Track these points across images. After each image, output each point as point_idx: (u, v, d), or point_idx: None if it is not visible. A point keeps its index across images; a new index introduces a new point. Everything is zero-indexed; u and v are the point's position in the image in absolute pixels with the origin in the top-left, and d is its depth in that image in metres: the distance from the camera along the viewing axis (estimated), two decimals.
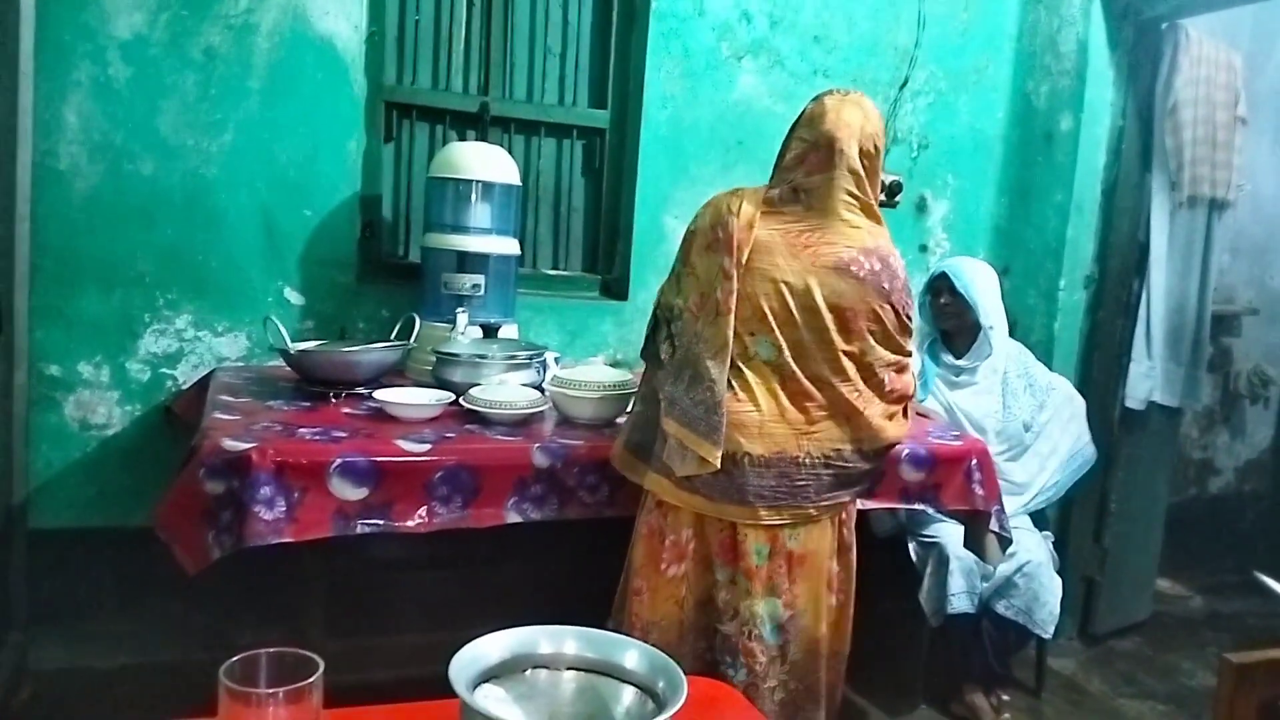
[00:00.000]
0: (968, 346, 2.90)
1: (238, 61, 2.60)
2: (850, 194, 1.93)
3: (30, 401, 2.49)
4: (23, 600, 2.50)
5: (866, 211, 1.96)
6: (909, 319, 2.01)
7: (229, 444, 1.83)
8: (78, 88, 2.48)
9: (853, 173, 1.93)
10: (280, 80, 2.64)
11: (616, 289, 3.13)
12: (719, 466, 1.85)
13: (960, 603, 2.63)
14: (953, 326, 2.91)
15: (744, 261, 1.89)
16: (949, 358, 2.93)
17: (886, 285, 1.93)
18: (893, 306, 1.94)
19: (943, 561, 2.65)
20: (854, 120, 1.95)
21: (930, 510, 2.48)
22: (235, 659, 0.76)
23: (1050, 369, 3.29)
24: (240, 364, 2.68)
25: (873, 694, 2.78)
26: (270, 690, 0.73)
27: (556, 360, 2.59)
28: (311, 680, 0.74)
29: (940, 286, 2.90)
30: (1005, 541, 2.44)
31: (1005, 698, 2.86)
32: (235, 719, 0.73)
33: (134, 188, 2.55)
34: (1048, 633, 2.74)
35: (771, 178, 2.02)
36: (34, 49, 2.36)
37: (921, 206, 3.42)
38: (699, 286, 1.94)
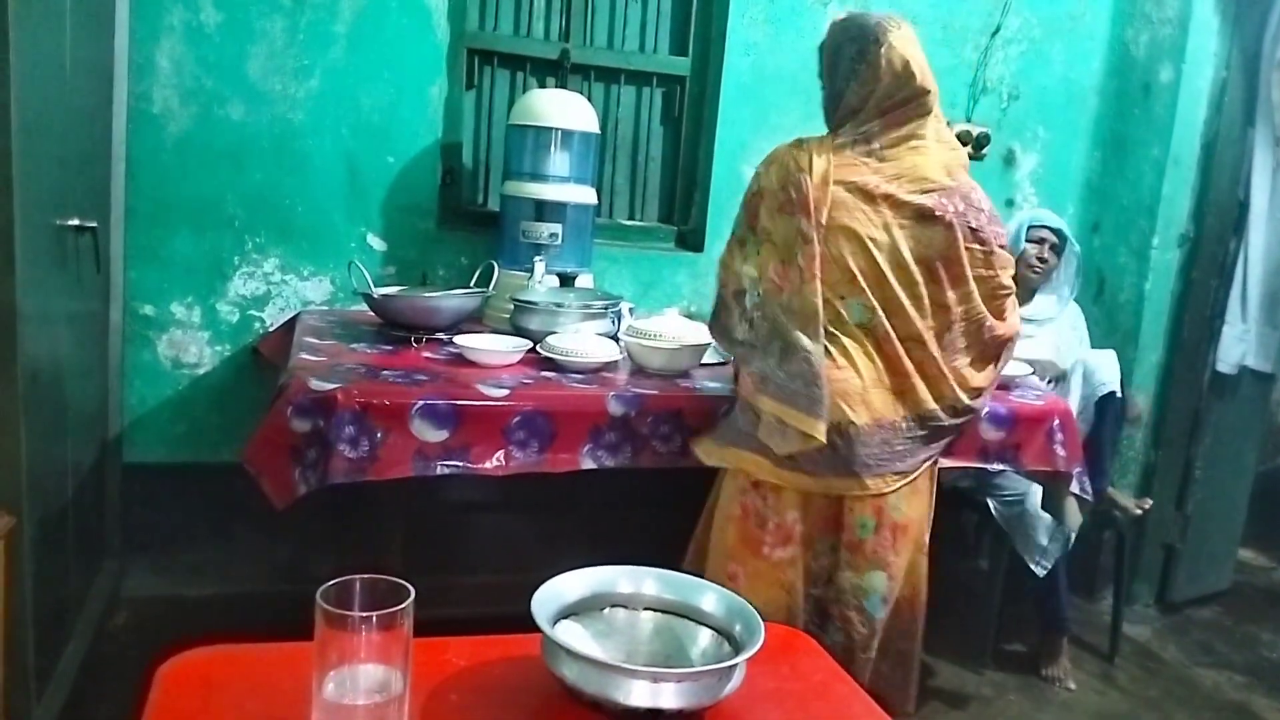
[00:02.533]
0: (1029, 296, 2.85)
1: (325, 7, 2.62)
2: (927, 125, 1.86)
3: (125, 339, 2.58)
4: (117, 530, 2.61)
5: (941, 139, 1.88)
6: (1004, 248, 1.92)
7: (315, 384, 1.88)
8: (170, 32, 2.52)
9: (922, 101, 1.85)
10: (366, 26, 2.66)
11: (692, 240, 3.11)
12: (825, 440, 1.79)
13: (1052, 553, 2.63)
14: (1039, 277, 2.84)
15: (823, 222, 1.81)
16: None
17: (973, 223, 1.85)
18: (984, 244, 1.87)
19: (1029, 516, 2.62)
20: (911, 45, 1.85)
21: (1009, 470, 2.43)
22: (330, 584, 0.78)
23: (1139, 330, 3.22)
24: (325, 307, 2.73)
25: (944, 653, 2.76)
26: (365, 614, 0.76)
27: (631, 311, 2.59)
28: (404, 606, 0.76)
29: (1043, 238, 2.82)
30: (1086, 504, 2.40)
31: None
32: (330, 641, 0.76)
33: (223, 132, 2.60)
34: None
35: (833, 123, 1.94)
36: None
37: (1009, 160, 3.32)
38: (778, 253, 1.86)
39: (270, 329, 2.69)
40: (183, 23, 2.53)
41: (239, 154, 2.62)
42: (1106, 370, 2.82)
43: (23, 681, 1.70)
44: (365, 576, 0.79)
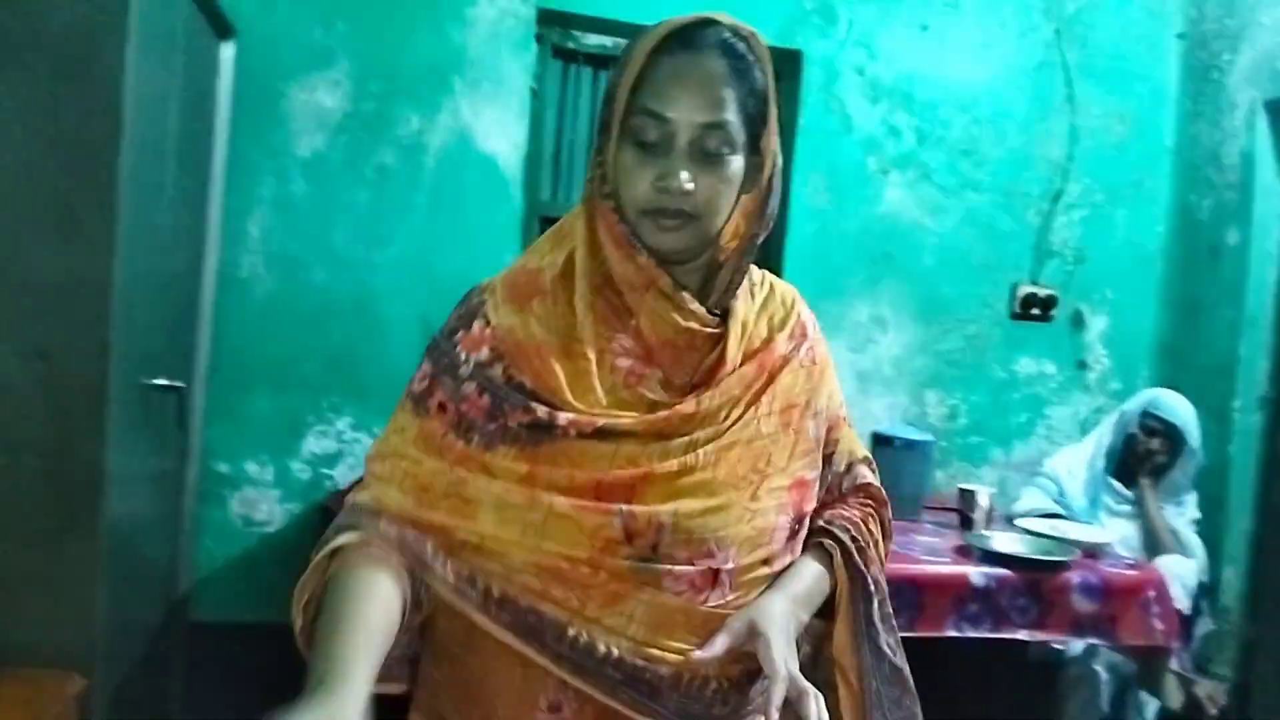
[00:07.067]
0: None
1: (407, 179, 2.74)
2: None
3: (199, 497, 2.60)
4: (180, 691, 2.56)
5: None
6: None
7: None
8: (261, 203, 2.65)
9: None
10: (445, 196, 2.77)
11: None
12: None
13: None
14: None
15: None
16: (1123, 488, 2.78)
17: None
18: None
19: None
20: None
21: (1103, 644, 2.31)
22: None
23: (1226, 496, 3.11)
24: None
25: None
26: None
27: None
28: None
29: (1154, 429, 2.77)
30: (1187, 682, 2.26)
31: None
32: None
33: (307, 296, 2.69)
34: None
35: None
36: (224, 167, 2.56)
37: (1078, 321, 3.31)
38: None
39: (341, 488, 2.70)
40: (273, 194, 2.66)
41: (320, 317, 2.70)
42: None
43: None
44: None
